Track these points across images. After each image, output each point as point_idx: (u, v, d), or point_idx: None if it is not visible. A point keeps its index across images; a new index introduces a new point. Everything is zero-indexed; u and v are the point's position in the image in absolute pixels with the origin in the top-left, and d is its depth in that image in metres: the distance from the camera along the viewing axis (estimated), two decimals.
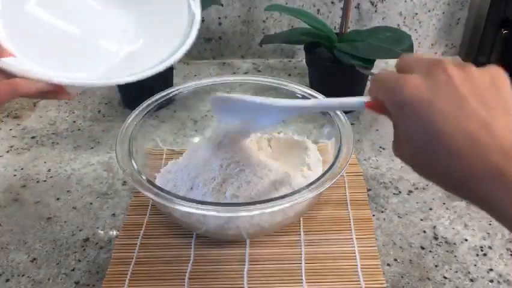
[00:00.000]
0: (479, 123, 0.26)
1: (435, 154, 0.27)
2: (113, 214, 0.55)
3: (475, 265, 0.48)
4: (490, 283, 0.46)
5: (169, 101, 0.56)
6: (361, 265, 0.47)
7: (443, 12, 0.84)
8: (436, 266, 0.48)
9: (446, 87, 0.27)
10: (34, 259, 0.49)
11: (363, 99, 0.33)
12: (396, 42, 0.65)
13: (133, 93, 0.72)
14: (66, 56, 0.43)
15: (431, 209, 0.55)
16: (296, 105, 0.40)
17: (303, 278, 0.46)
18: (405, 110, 0.28)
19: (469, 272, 0.47)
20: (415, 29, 0.85)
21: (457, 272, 0.47)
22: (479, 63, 0.83)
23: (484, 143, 0.25)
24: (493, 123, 0.26)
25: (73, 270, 0.48)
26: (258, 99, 0.40)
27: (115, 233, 0.52)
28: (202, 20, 0.83)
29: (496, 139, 0.25)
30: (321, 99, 0.38)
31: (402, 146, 0.29)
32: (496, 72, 0.29)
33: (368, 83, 0.73)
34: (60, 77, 0.38)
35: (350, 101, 0.35)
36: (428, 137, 0.27)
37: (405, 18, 0.84)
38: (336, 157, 0.46)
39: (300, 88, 0.56)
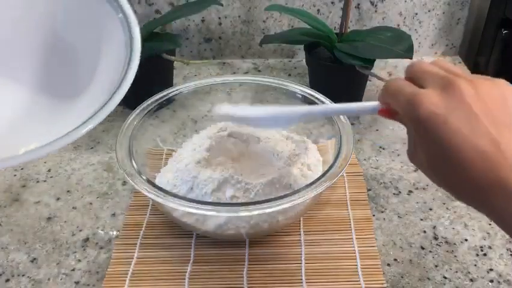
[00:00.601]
0: (489, 141, 0.28)
1: (448, 167, 0.29)
2: (113, 214, 0.55)
3: (475, 265, 0.48)
4: (490, 283, 0.46)
5: (169, 101, 0.56)
6: (361, 265, 0.47)
7: (443, 12, 0.84)
8: (436, 266, 0.48)
9: (460, 105, 0.29)
10: (34, 259, 0.49)
11: (377, 105, 0.35)
12: (396, 42, 0.65)
13: (132, 94, 0.72)
14: None
15: (431, 209, 0.55)
16: (307, 112, 0.40)
17: (303, 278, 0.46)
18: (422, 125, 0.30)
19: (469, 272, 0.47)
20: (415, 29, 0.85)
21: (457, 272, 0.47)
22: (479, 64, 0.84)
23: (494, 159, 0.27)
24: (502, 140, 0.28)
25: (73, 270, 0.48)
26: (265, 112, 0.40)
27: (115, 233, 0.52)
28: (202, 20, 0.84)
29: (506, 155, 0.27)
30: (333, 105, 0.39)
31: (417, 153, 0.32)
32: (505, 88, 0.30)
33: (368, 84, 0.73)
34: None
35: (364, 107, 0.36)
36: (441, 151, 0.29)
37: (405, 18, 0.84)
38: (336, 157, 0.46)
39: (300, 88, 0.56)
